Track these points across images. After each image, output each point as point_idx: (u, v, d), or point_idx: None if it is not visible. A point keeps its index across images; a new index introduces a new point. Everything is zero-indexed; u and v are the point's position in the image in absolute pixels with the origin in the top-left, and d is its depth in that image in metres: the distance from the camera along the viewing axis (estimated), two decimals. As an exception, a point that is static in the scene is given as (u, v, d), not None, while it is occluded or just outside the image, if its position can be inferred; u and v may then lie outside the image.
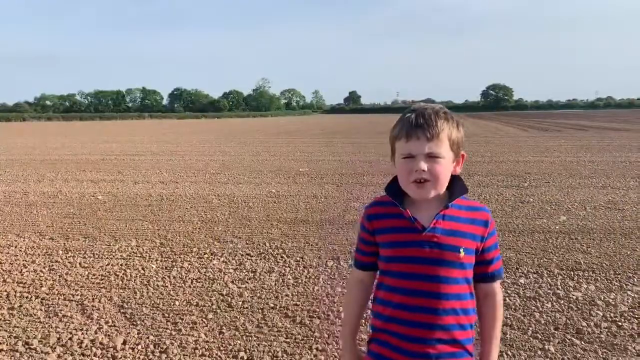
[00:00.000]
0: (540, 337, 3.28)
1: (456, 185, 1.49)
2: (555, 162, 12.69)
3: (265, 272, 4.58)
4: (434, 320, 1.41)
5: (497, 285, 1.54)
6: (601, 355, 3.05)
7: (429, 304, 1.41)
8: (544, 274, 4.46)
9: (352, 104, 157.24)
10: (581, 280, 4.29)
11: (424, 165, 1.39)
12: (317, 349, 3.17)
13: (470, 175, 10.44)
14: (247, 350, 3.15)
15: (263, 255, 5.10)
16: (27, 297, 4.06)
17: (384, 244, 1.50)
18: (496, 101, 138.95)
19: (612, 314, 3.61)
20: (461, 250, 1.42)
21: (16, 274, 4.62)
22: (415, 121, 1.41)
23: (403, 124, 1.44)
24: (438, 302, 1.41)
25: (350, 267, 3.92)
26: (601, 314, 3.61)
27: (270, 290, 4.14)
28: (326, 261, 4.87)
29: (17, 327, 3.52)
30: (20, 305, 3.90)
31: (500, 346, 1.59)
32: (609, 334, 3.32)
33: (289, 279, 4.41)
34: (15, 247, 5.55)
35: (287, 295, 4.04)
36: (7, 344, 3.26)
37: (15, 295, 4.11)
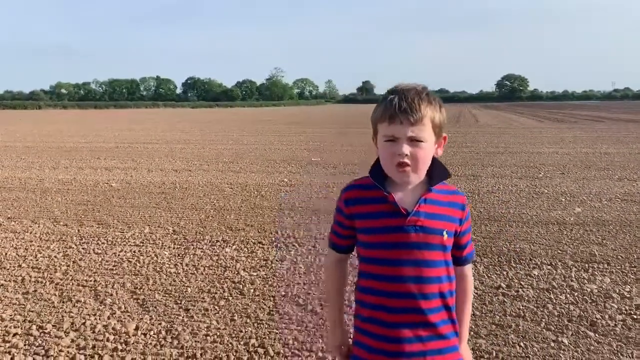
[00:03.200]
0: (553, 329, 3.25)
1: (437, 169, 1.48)
2: (570, 153, 12.54)
3: (277, 260, 4.59)
4: (423, 304, 1.41)
5: (468, 268, 1.58)
6: (615, 348, 3.01)
7: (417, 289, 1.40)
8: (558, 265, 4.41)
9: (365, 94, 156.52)
10: (596, 273, 4.24)
11: (406, 149, 1.38)
12: (328, 337, 3.16)
13: (484, 167, 10.36)
14: (258, 338, 3.16)
15: (275, 243, 5.11)
16: (41, 282, 4.11)
17: (364, 230, 1.47)
18: (511, 92, 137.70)
19: (627, 307, 3.56)
20: (444, 233, 1.43)
21: (31, 259, 4.67)
22: (398, 105, 1.39)
23: (386, 106, 1.42)
24: (426, 286, 1.41)
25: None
26: (616, 307, 3.57)
27: (282, 279, 4.15)
28: (338, 250, 4.85)
29: (32, 311, 3.56)
30: (35, 290, 3.94)
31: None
32: (623, 326, 3.28)
33: (301, 267, 4.42)
34: (31, 232, 5.61)
35: (298, 283, 4.04)
36: (21, 328, 3.30)
37: (30, 280, 4.16)
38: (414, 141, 1.39)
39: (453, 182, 7.20)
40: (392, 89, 1.46)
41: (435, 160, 1.48)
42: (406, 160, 1.39)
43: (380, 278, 1.43)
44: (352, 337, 1.56)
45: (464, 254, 1.54)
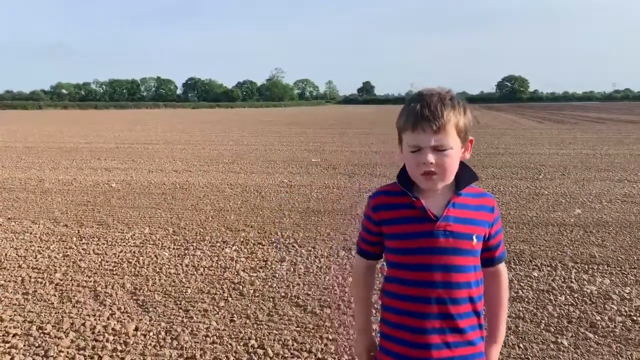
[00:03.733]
0: (553, 330, 3.24)
1: (464, 173, 1.46)
2: (570, 154, 12.54)
3: (276, 261, 4.59)
4: (452, 309, 1.39)
5: (502, 266, 1.55)
6: (615, 350, 3.01)
7: (446, 294, 1.39)
8: (558, 267, 4.41)
9: (365, 95, 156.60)
10: (596, 274, 4.24)
11: (431, 158, 1.35)
12: (327, 338, 3.17)
13: (485, 167, 10.35)
14: (258, 339, 3.16)
15: (274, 244, 5.11)
16: (41, 283, 4.11)
17: (392, 236, 1.46)
18: (512, 93, 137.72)
19: (627, 308, 3.56)
20: (474, 237, 1.41)
21: (31, 260, 4.68)
22: (420, 112, 1.36)
23: (409, 113, 1.39)
24: (455, 291, 1.39)
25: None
26: (616, 308, 3.56)
27: (282, 279, 4.15)
28: (337, 251, 4.86)
29: (32, 311, 3.56)
30: (35, 291, 3.94)
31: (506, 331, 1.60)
32: (623, 328, 3.28)
33: (300, 268, 4.42)
34: (30, 233, 5.61)
35: (298, 284, 4.04)
36: (21, 329, 3.30)
37: (29, 281, 4.16)
38: (439, 150, 1.36)
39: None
40: (415, 94, 1.43)
41: (462, 164, 1.46)
42: (432, 168, 1.37)
43: (409, 283, 1.42)
44: (377, 343, 1.55)
45: (496, 254, 1.53)
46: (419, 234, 1.40)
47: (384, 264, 1.54)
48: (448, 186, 1.43)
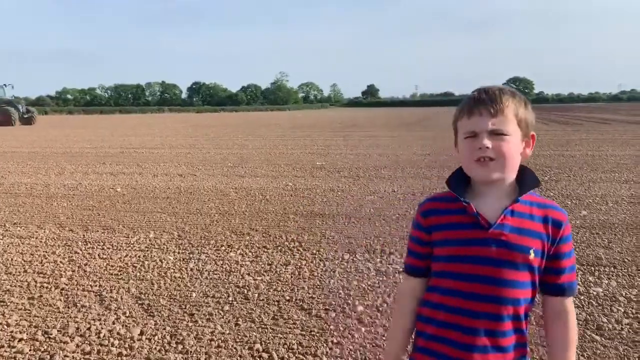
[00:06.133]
0: (559, 332, 3.22)
1: (527, 177, 1.34)
2: (576, 155, 12.49)
3: (281, 265, 4.58)
4: (496, 326, 1.28)
5: (569, 302, 1.35)
6: (622, 352, 2.99)
7: (492, 309, 1.27)
8: (564, 269, 4.38)
9: (370, 98, 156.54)
10: (602, 276, 4.21)
11: (487, 142, 1.26)
12: (332, 342, 3.16)
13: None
14: (263, 343, 3.15)
15: (279, 248, 5.11)
16: (47, 288, 4.12)
17: (441, 242, 1.35)
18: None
19: (633, 310, 3.54)
20: (531, 251, 1.28)
21: (36, 265, 4.69)
22: (478, 96, 1.30)
23: (465, 102, 1.34)
24: (503, 307, 1.27)
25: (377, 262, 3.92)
26: (622, 310, 3.54)
27: (286, 283, 4.14)
28: (342, 254, 4.85)
29: (37, 316, 3.57)
30: (40, 296, 3.95)
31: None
32: (630, 330, 3.26)
33: (305, 271, 4.41)
34: (36, 238, 5.63)
35: (302, 288, 4.04)
36: (27, 333, 3.31)
37: (35, 286, 4.17)
38: (497, 134, 1.27)
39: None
40: (475, 89, 1.37)
41: (525, 168, 1.36)
42: (489, 153, 1.26)
43: (453, 294, 1.31)
44: (408, 356, 1.45)
45: (560, 280, 1.32)
46: (468, 241, 1.30)
47: None
48: (507, 191, 1.32)
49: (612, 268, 4.40)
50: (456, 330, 1.30)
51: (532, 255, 1.27)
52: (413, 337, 1.45)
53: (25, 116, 36.53)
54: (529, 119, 1.35)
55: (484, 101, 1.29)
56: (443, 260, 1.35)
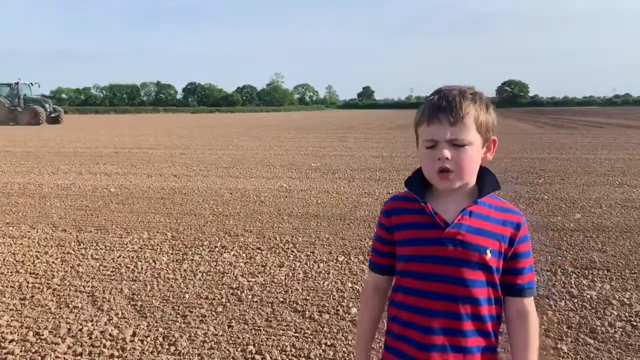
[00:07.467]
0: (553, 335, 3.23)
1: (487, 180, 1.36)
2: (570, 159, 12.53)
3: (275, 267, 4.57)
4: (454, 325, 1.29)
5: (529, 303, 1.36)
6: (615, 355, 2.99)
7: (450, 307, 1.29)
8: (558, 272, 4.39)
9: (365, 100, 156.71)
10: (595, 279, 4.22)
11: (447, 153, 1.26)
12: (326, 344, 3.15)
13: (484, 172, 10.33)
14: (256, 344, 3.14)
15: (273, 249, 5.09)
16: (39, 288, 4.09)
17: (402, 242, 1.37)
18: (511, 97, 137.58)
19: (627, 314, 3.54)
20: (488, 251, 1.29)
21: (29, 265, 4.66)
22: (437, 103, 1.28)
23: (426, 106, 1.31)
24: (460, 306, 1.29)
25: (364, 264, 3.92)
26: (616, 314, 3.55)
27: (280, 285, 4.13)
28: (337, 256, 4.85)
29: (29, 317, 3.55)
30: (32, 296, 3.93)
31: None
32: (623, 333, 3.26)
33: (299, 273, 4.40)
34: (29, 238, 5.59)
35: (296, 289, 4.03)
36: (18, 334, 3.28)
37: (27, 286, 4.14)
38: (456, 145, 1.27)
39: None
40: (436, 90, 1.34)
41: (486, 170, 1.37)
42: (447, 165, 1.27)
43: (415, 293, 1.33)
44: (380, 355, 1.46)
45: (519, 281, 1.34)
46: (427, 241, 1.32)
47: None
48: (467, 193, 1.34)
49: (606, 271, 4.41)
50: (415, 330, 1.33)
51: (488, 255, 1.29)
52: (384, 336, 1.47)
53: (52, 115, 35.40)
54: (490, 123, 1.34)
55: (444, 109, 1.27)
56: (404, 260, 1.37)
